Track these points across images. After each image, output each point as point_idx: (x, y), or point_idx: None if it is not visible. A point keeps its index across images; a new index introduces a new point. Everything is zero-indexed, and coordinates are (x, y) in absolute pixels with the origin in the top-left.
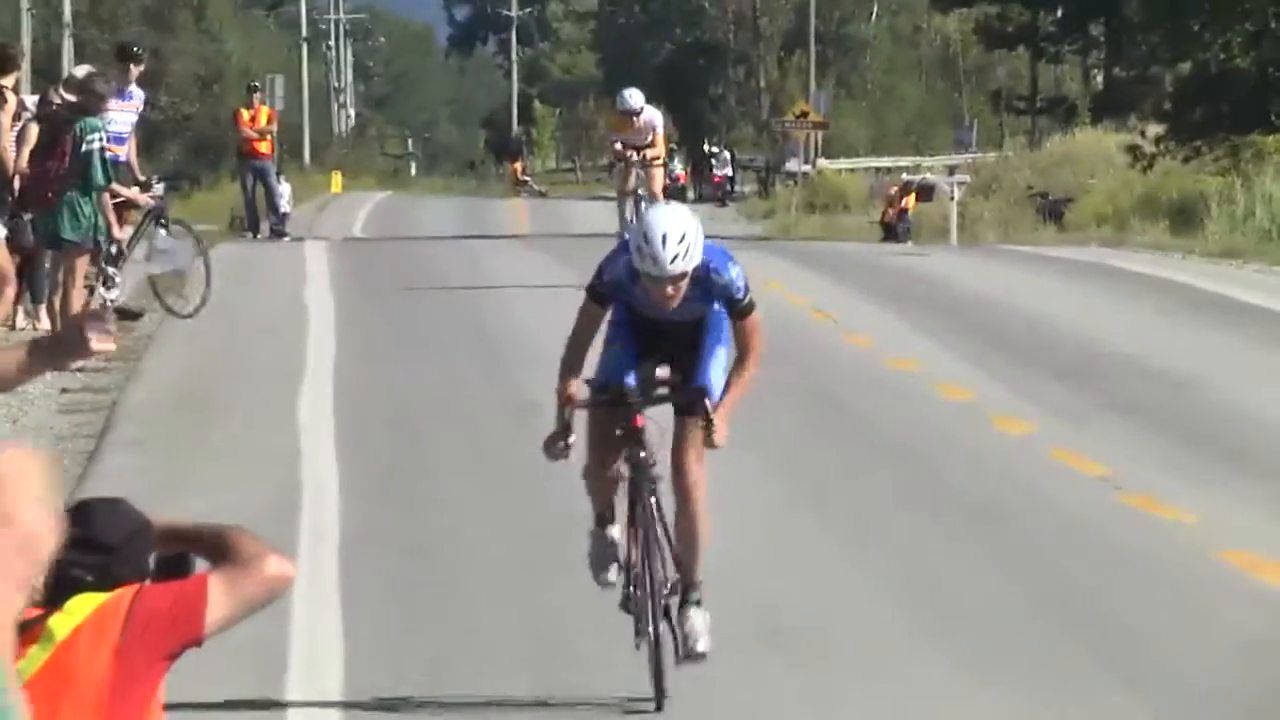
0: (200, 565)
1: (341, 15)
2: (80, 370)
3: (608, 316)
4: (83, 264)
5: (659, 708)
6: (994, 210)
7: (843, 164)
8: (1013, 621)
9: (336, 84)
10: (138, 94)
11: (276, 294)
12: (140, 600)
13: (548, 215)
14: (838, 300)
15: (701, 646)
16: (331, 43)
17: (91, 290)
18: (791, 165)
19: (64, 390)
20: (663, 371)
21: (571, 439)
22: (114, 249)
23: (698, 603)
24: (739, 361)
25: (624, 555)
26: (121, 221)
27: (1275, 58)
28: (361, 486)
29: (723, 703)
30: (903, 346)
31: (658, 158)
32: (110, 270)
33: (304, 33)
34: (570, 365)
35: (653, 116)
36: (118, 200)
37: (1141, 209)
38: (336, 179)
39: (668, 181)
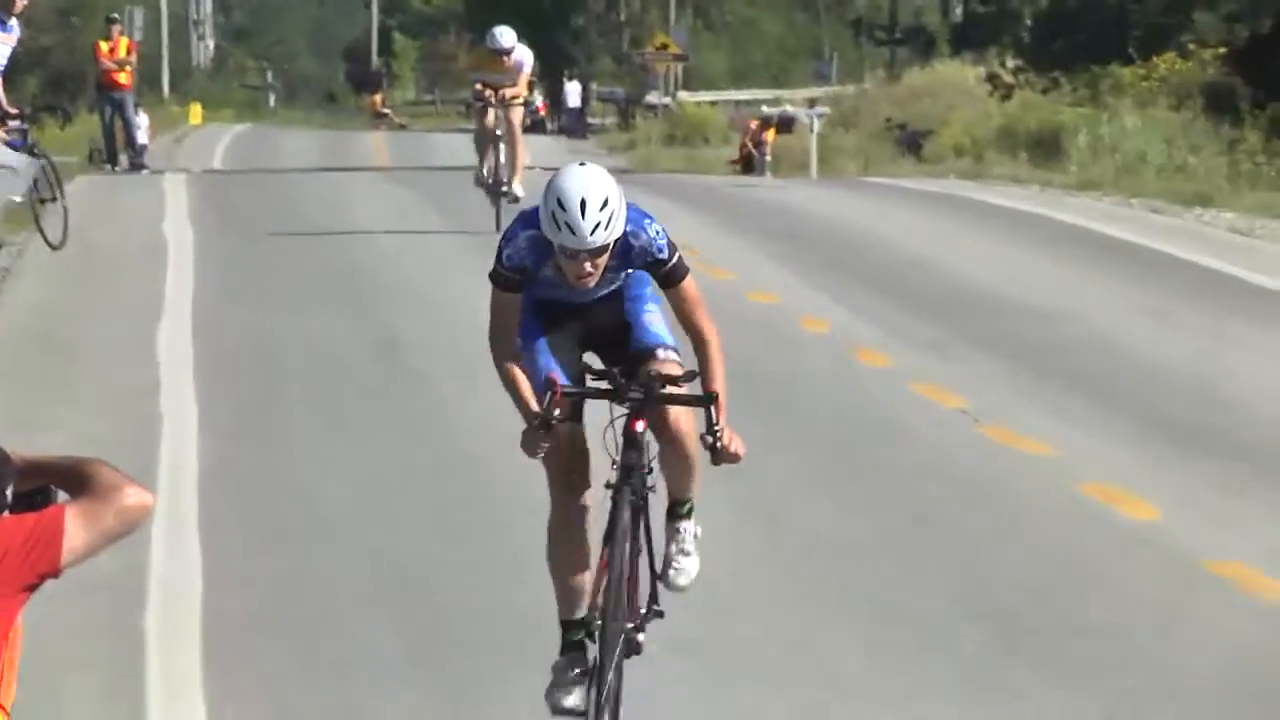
0: (62, 498)
1: None
2: None
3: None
4: None
5: None
6: (853, 143)
7: (703, 96)
8: (867, 554)
9: (195, 16)
10: (16, 27)
11: (135, 228)
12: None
13: (408, 148)
14: (699, 233)
15: (683, 581)
16: None
17: None
18: (651, 98)
19: None
20: (591, 361)
21: (549, 424)
22: None
23: (688, 514)
24: (700, 350)
25: (571, 586)
26: None
27: None
28: (220, 421)
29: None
30: (764, 280)
31: (517, 96)
32: None
33: None
34: (506, 355)
35: (523, 57)
36: None
37: (1000, 141)
38: (196, 111)
39: (529, 119)
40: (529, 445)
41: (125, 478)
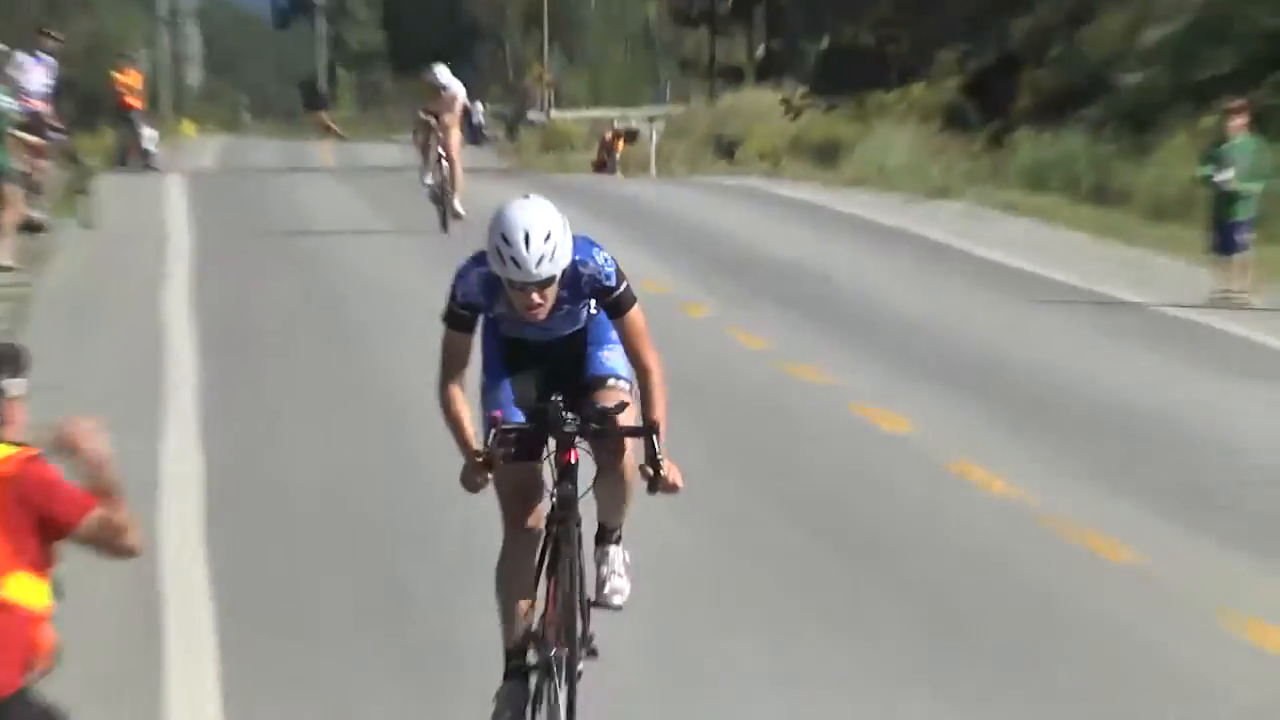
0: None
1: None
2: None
3: (477, 347)
4: (10, 190)
5: None
6: (683, 150)
7: (569, 114)
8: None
9: (188, 53)
10: (50, 60)
11: (145, 213)
12: (38, 462)
13: (348, 154)
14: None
15: (617, 600)
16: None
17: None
18: (531, 115)
19: None
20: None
21: (489, 462)
22: (35, 178)
23: (617, 541)
24: (643, 381)
25: (518, 625)
26: (42, 155)
27: (890, 35)
28: (213, 351)
29: None
30: (614, 251)
31: (454, 121)
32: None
33: (165, 14)
34: (449, 394)
35: (457, 89)
36: (33, 141)
37: (792, 149)
38: (190, 126)
39: (469, 132)
40: (467, 481)
41: (138, 524)
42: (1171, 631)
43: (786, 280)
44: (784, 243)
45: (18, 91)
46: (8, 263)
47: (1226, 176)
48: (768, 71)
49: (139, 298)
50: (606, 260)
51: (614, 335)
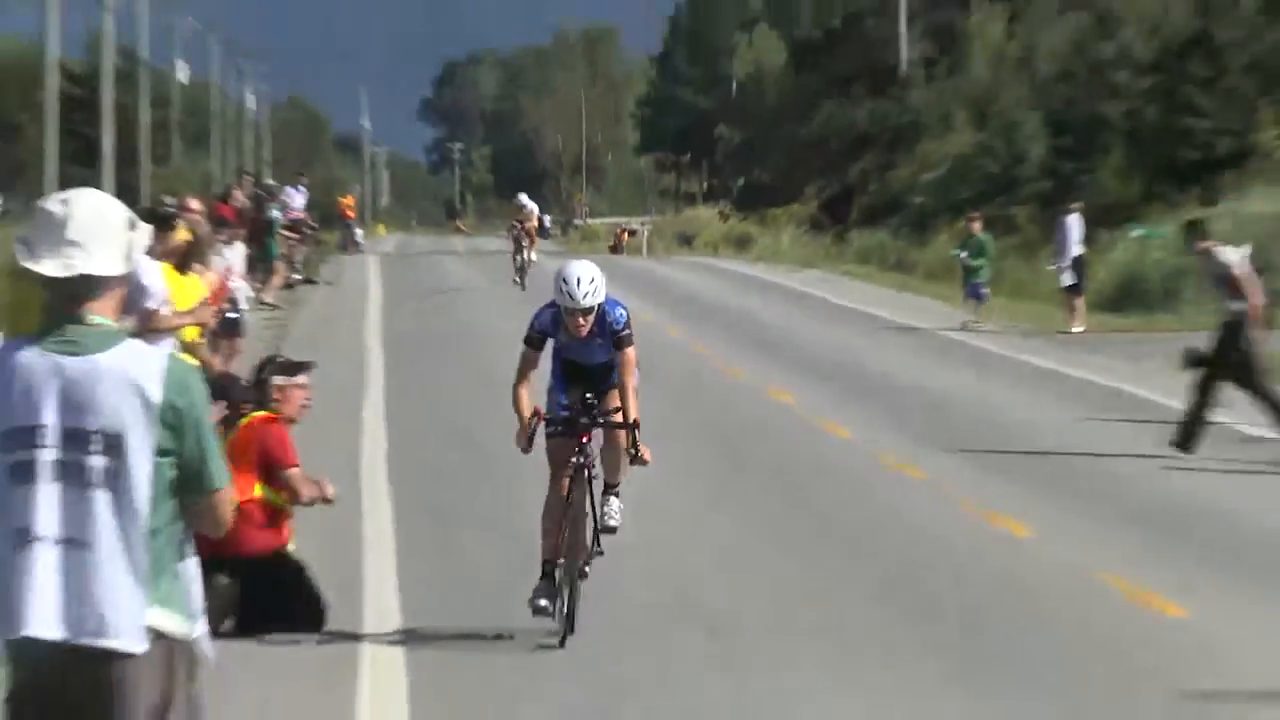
0: None
1: (381, 149)
2: (275, 308)
3: (549, 368)
4: (278, 266)
5: (562, 643)
6: (662, 240)
7: (596, 221)
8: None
9: (380, 187)
10: (304, 190)
11: (358, 275)
12: (277, 423)
13: (471, 244)
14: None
15: (613, 521)
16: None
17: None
18: (575, 222)
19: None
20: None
21: (531, 436)
22: (293, 257)
23: (616, 493)
24: (623, 395)
25: (552, 544)
26: (300, 244)
27: (778, 177)
28: (391, 352)
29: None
30: (616, 295)
31: (533, 227)
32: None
33: (368, 165)
34: (518, 386)
35: (532, 207)
36: (291, 237)
37: (723, 241)
38: (381, 228)
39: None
40: (518, 444)
41: (315, 492)
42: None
43: (720, 312)
44: (718, 291)
45: (285, 208)
46: (274, 303)
47: (963, 255)
48: (709, 196)
49: (352, 324)
50: (622, 314)
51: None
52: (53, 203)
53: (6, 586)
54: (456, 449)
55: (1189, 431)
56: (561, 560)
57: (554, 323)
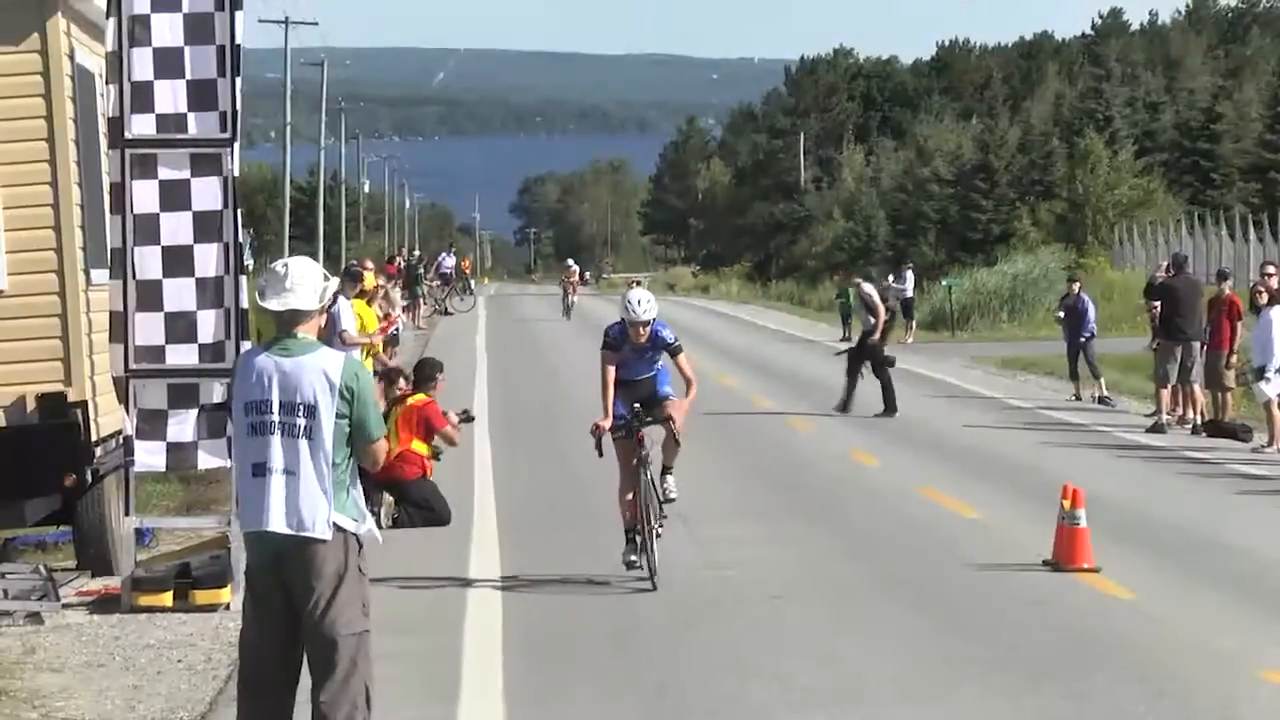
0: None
1: (486, 232)
2: (420, 328)
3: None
4: (420, 303)
5: (654, 586)
6: (656, 286)
7: (616, 275)
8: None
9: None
10: (454, 254)
11: (476, 310)
12: (433, 403)
13: (540, 289)
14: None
15: (673, 495)
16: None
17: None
18: (604, 275)
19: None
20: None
21: (599, 444)
22: (437, 295)
23: (670, 471)
24: (687, 387)
25: (631, 516)
26: (450, 286)
27: (726, 250)
28: (493, 355)
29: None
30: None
31: (576, 281)
32: (439, 302)
33: (478, 241)
34: (604, 377)
35: (576, 266)
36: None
37: (694, 288)
38: (486, 279)
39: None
40: (594, 434)
41: (456, 436)
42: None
43: (689, 332)
44: (691, 319)
45: (440, 266)
46: (422, 326)
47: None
48: (685, 260)
49: (468, 336)
50: (670, 332)
51: (669, 380)
52: (278, 264)
53: (251, 499)
54: (534, 402)
55: (849, 400)
56: (639, 525)
57: (621, 333)
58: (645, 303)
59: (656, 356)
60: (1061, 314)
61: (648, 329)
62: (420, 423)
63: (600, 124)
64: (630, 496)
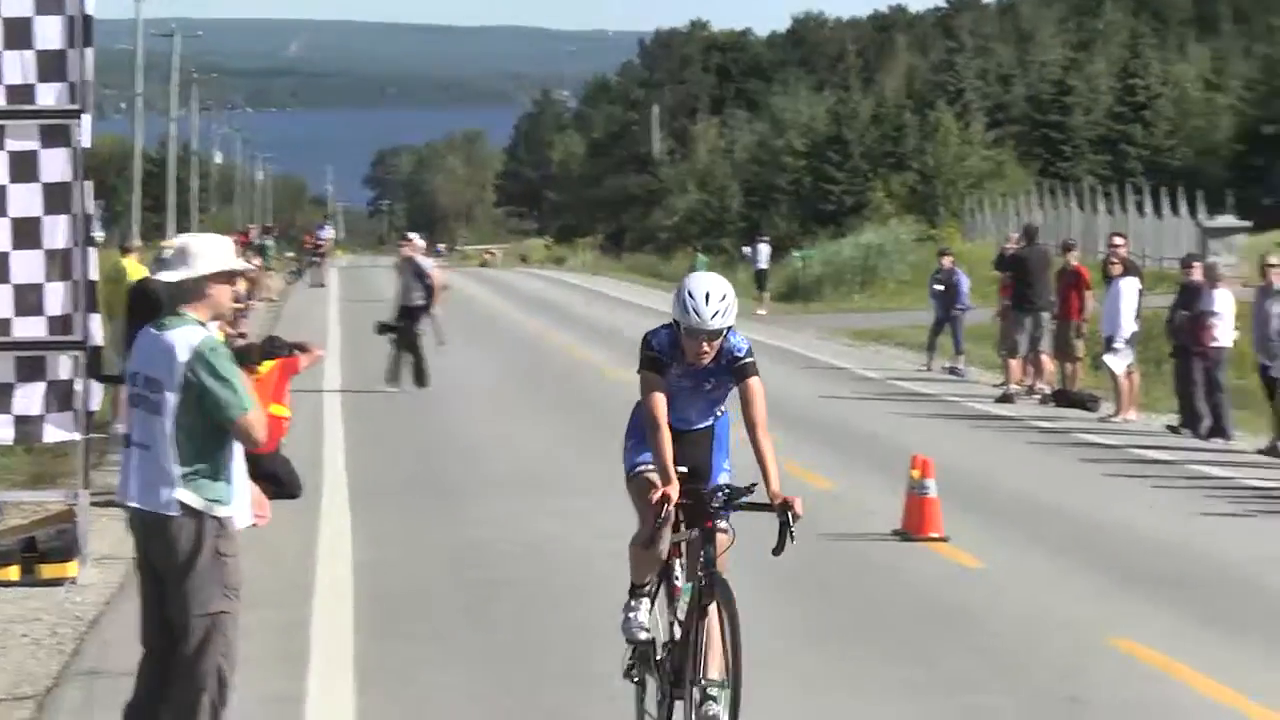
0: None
1: (339, 203)
2: (271, 300)
3: (627, 422)
4: (271, 274)
5: None
6: (510, 259)
7: (469, 247)
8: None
9: (337, 229)
10: (330, 227)
11: (327, 286)
12: (294, 359)
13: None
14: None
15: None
16: None
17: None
18: (456, 246)
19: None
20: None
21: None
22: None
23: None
24: (755, 440)
25: (662, 633)
26: (322, 258)
27: (579, 220)
28: (343, 320)
29: None
30: (481, 292)
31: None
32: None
33: (331, 213)
34: (660, 449)
35: (416, 237)
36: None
37: (548, 259)
38: (340, 251)
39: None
40: (654, 522)
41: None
42: None
43: (545, 304)
44: (551, 291)
45: (316, 237)
46: (274, 298)
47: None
48: (539, 233)
49: (319, 305)
50: (744, 339)
51: (728, 443)
52: (175, 239)
53: (121, 470)
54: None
55: (420, 371)
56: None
57: (671, 344)
58: (719, 300)
59: (721, 392)
60: (940, 288)
61: (716, 344)
62: (272, 386)
63: (459, 96)
64: (646, 559)
